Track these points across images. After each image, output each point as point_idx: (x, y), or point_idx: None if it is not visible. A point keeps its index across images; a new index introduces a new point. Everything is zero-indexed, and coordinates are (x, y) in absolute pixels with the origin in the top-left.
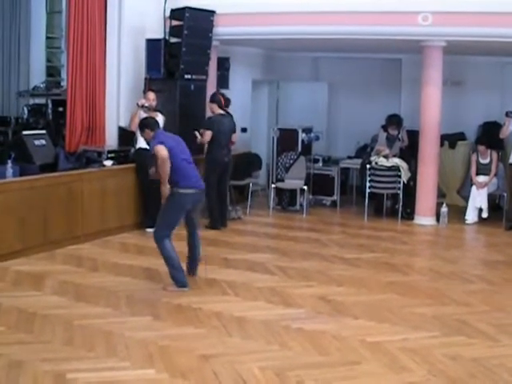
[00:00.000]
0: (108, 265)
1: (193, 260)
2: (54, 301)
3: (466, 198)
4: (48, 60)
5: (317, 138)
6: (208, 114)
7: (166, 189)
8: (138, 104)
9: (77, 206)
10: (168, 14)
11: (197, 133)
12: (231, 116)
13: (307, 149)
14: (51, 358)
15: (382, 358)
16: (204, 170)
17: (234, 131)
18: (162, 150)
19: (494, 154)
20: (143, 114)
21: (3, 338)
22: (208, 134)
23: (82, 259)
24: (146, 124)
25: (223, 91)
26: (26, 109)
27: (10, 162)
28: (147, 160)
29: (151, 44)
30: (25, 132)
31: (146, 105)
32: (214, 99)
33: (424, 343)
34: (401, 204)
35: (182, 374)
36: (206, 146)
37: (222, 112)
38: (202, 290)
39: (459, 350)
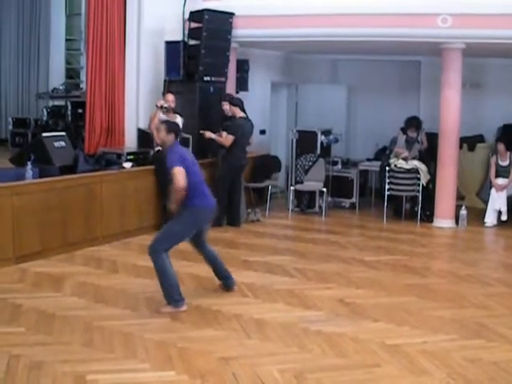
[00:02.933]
0: (127, 266)
1: (222, 270)
2: (73, 302)
3: (485, 201)
4: (67, 62)
5: (336, 141)
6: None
7: (175, 207)
8: (157, 105)
9: (96, 208)
10: (187, 16)
11: (207, 132)
12: (249, 119)
13: (326, 151)
14: (71, 360)
15: (401, 360)
16: (220, 170)
17: (252, 133)
18: (181, 176)
19: None
20: (162, 116)
21: (23, 338)
22: (230, 139)
23: (102, 261)
24: (175, 129)
25: (243, 93)
26: (45, 111)
27: (29, 163)
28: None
29: (170, 46)
30: (44, 134)
31: (165, 106)
32: (235, 102)
33: (443, 346)
34: (420, 206)
35: (201, 375)
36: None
37: (243, 115)
38: (222, 291)
39: (478, 353)
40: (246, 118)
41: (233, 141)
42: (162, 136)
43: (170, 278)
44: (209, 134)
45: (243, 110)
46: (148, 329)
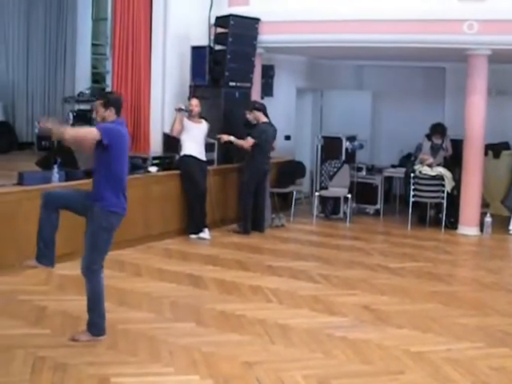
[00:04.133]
0: (151, 270)
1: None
2: None
3: (510, 208)
4: (93, 67)
5: (361, 147)
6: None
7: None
8: (175, 108)
9: None
10: (213, 21)
11: (224, 136)
12: (272, 124)
13: (351, 157)
14: (95, 362)
15: (426, 368)
16: (243, 177)
17: (275, 138)
18: (86, 133)
19: None
20: (187, 121)
21: (48, 340)
22: (250, 141)
23: (125, 264)
24: (114, 103)
25: (268, 99)
26: (71, 114)
27: (55, 167)
28: None
29: (196, 51)
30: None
31: (183, 107)
32: (259, 107)
33: (468, 354)
34: (444, 213)
35: (225, 380)
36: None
37: (266, 120)
38: (246, 296)
39: (503, 362)
40: (269, 123)
41: (256, 146)
42: (100, 113)
43: (102, 301)
44: (227, 137)
45: (266, 115)
46: (172, 333)
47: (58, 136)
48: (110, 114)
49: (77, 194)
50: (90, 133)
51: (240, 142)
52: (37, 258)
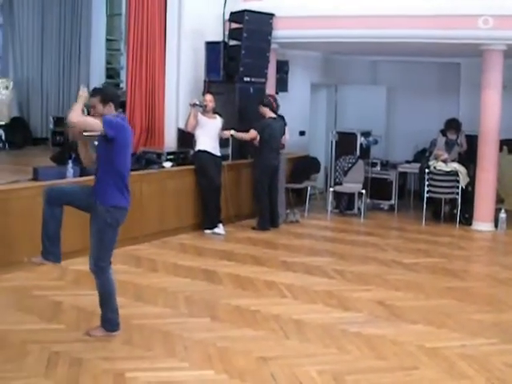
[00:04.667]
0: (167, 265)
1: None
2: None
3: None
4: (107, 62)
5: (375, 142)
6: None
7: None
8: (190, 103)
9: (136, 207)
10: (227, 16)
11: (225, 132)
12: (282, 118)
13: (365, 152)
14: (110, 357)
15: (440, 364)
16: (255, 174)
17: (284, 133)
18: (89, 121)
19: None
20: (202, 116)
21: (63, 335)
22: (252, 133)
23: (141, 259)
24: (112, 98)
25: (282, 94)
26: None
27: (70, 162)
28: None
29: (211, 46)
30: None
31: (197, 103)
32: (265, 103)
33: (483, 350)
34: (459, 209)
35: (240, 375)
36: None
37: (273, 115)
38: (261, 292)
39: None
40: (276, 119)
41: (262, 142)
42: (99, 110)
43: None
44: (227, 132)
45: (273, 111)
46: (187, 328)
47: (70, 115)
48: (110, 110)
49: (80, 191)
50: (98, 125)
51: (240, 135)
52: (43, 255)
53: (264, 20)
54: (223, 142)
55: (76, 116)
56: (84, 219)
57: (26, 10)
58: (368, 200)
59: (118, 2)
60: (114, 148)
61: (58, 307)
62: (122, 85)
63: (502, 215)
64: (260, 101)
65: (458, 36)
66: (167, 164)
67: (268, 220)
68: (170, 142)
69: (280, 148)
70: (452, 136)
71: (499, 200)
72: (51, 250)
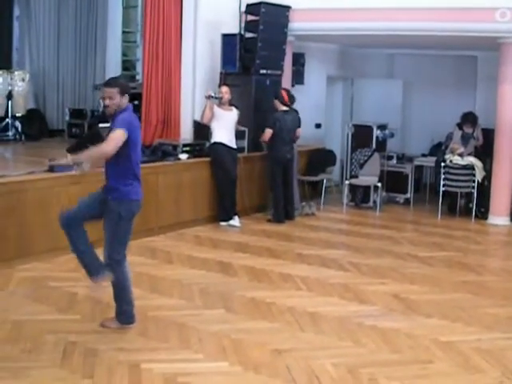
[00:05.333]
0: (182, 257)
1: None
2: None
3: None
4: (123, 54)
5: (391, 135)
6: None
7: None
8: (205, 95)
9: (151, 199)
10: (244, 8)
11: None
12: (296, 112)
13: (381, 146)
14: (126, 348)
15: (455, 357)
16: (268, 167)
17: (299, 126)
18: (118, 142)
19: None
20: (217, 108)
21: (79, 326)
22: (268, 132)
23: (156, 251)
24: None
25: (298, 87)
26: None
27: None
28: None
29: (227, 39)
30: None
31: (213, 95)
32: (276, 96)
33: (498, 344)
34: (475, 203)
35: (254, 367)
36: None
37: (285, 108)
38: (276, 284)
39: None
40: (288, 112)
41: (274, 135)
42: (116, 101)
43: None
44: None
45: (285, 104)
46: (202, 320)
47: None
48: (125, 102)
49: (90, 200)
50: (122, 135)
51: (262, 139)
52: (92, 276)
53: (280, 12)
54: (239, 135)
55: (103, 153)
56: None
57: (42, 2)
58: (384, 193)
59: None
60: (129, 145)
61: (73, 298)
62: (138, 77)
63: None
64: (274, 94)
65: (474, 29)
66: (183, 156)
67: (282, 213)
68: (186, 133)
69: (293, 141)
70: (468, 130)
71: None
72: (95, 266)
